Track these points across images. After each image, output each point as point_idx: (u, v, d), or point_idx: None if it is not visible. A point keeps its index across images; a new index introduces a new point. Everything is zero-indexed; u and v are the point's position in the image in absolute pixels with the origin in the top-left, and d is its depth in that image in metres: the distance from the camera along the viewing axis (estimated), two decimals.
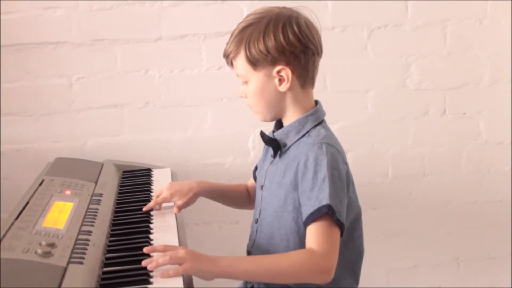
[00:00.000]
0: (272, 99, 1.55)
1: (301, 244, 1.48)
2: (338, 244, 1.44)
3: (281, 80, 1.52)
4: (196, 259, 1.37)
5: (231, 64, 1.58)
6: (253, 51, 1.51)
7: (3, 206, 2.26)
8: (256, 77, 1.53)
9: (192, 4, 2.35)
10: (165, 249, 1.39)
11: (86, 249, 1.42)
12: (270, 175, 1.59)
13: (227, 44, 1.57)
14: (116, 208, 1.80)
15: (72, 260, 1.35)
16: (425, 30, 2.45)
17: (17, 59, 2.32)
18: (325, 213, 1.42)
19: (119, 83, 2.37)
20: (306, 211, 1.45)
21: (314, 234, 1.43)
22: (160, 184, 1.98)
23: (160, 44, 2.36)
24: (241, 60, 1.54)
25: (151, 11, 2.34)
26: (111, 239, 1.57)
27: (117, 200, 1.87)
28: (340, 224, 1.44)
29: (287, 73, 1.51)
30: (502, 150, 2.57)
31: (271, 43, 1.50)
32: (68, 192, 1.76)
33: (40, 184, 1.82)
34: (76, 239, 1.46)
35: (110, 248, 1.52)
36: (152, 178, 2.09)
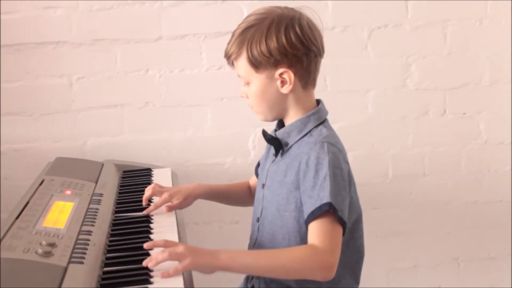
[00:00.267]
0: (273, 101, 1.54)
1: (303, 243, 1.48)
2: (341, 242, 1.44)
3: (283, 82, 1.52)
4: (196, 254, 1.37)
5: (232, 64, 1.58)
6: (255, 53, 1.50)
7: (3, 206, 2.26)
8: (257, 79, 1.53)
9: (192, 4, 2.35)
10: (166, 244, 1.40)
11: (86, 249, 1.42)
12: (272, 173, 1.59)
13: (228, 44, 1.56)
14: (116, 208, 1.80)
15: (73, 260, 1.35)
16: (425, 30, 2.45)
17: (17, 59, 2.32)
18: (327, 211, 1.42)
19: (119, 83, 2.37)
20: (308, 209, 1.45)
21: (316, 231, 1.43)
22: (161, 184, 1.97)
23: (160, 44, 2.36)
24: (242, 62, 1.53)
25: (151, 11, 2.34)
26: (111, 239, 1.57)
27: (117, 200, 1.87)
28: (342, 222, 1.44)
29: (289, 75, 1.51)
30: (502, 150, 2.57)
31: (273, 45, 1.49)
32: (68, 192, 1.76)
33: (40, 184, 1.82)
34: (77, 239, 1.47)
35: (110, 248, 1.52)
36: (152, 178, 2.09)
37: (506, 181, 2.58)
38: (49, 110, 2.36)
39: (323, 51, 1.57)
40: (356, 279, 1.60)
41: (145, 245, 1.42)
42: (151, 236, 1.59)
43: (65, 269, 1.30)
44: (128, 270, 1.38)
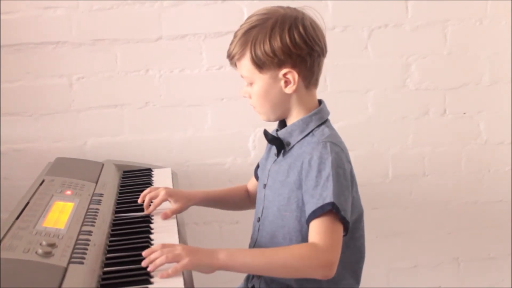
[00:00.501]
0: (277, 101, 1.54)
1: (304, 243, 1.47)
2: (341, 241, 1.44)
3: (286, 82, 1.52)
4: (194, 254, 1.37)
5: (234, 65, 1.57)
6: (259, 53, 1.50)
7: (3, 206, 2.26)
8: (261, 79, 1.53)
9: (192, 4, 2.35)
10: (163, 247, 1.39)
11: (86, 249, 1.42)
12: (273, 173, 1.59)
13: (231, 45, 1.55)
14: (117, 208, 1.80)
15: (73, 260, 1.35)
16: (425, 30, 2.45)
17: (17, 59, 2.32)
18: (329, 211, 1.42)
19: (119, 83, 2.37)
20: (309, 208, 1.45)
21: (316, 229, 1.43)
22: (161, 184, 1.98)
23: (160, 44, 2.36)
24: (246, 62, 1.53)
25: (151, 11, 2.34)
26: (111, 239, 1.58)
27: (118, 200, 1.87)
28: (344, 222, 1.44)
29: (293, 76, 1.51)
30: (502, 150, 2.57)
31: (277, 45, 1.49)
32: (68, 192, 1.76)
33: (41, 184, 1.82)
34: (77, 239, 1.46)
35: (110, 248, 1.52)
36: (153, 178, 2.09)
37: (506, 181, 2.58)
38: (49, 110, 2.36)
39: (326, 51, 1.57)
40: (357, 279, 1.60)
41: (144, 253, 1.41)
42: (151, 236, 1.59)
43: (65, 269, 1.30)
44: (128, 270, 1.38)
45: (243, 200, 1.85)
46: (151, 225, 1.66)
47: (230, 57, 1.56)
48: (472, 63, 2.50)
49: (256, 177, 1.73)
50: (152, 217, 1.72)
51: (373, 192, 2.50)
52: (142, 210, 1.76)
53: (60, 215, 1.59)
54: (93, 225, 1.58)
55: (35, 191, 1.75)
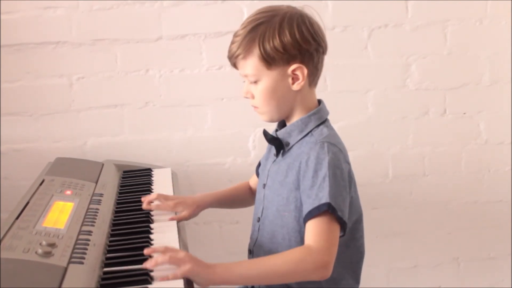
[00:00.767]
0: (283, 99, 1.53)
1: (303, 243, 1.47)
2: (337, 241, 1.44)
3: (294, 79, 1.52)
4: (195, 263, 1.36)
5: (235, 65, 1.56)
6: (268, 48, 1.49)
7: (3, 206, 2.26)
8: (269, 76, 1.52)
9: (192, 4, 2.35)
10: (166, 249, 1.39)
11: (86, 249, 1.42)
12: (273, 174, 1.59)
13: (233, 44, 1.54)
14: (117, 208, 1.80)
15: (73, 260, 1.35)
16: (425, 30, 2.45)
17: (17, 59, 2.32)
18: (325, 211, 1.42)
19: (119, 83, 2.37)
20: (306, 208, 1.45)
21: (312, 230, 1.43)
22: (161, 184, 1.98)
23: (160, 44, 2.36)
24: (253, 59, 1.51)
25: (151, 11, 2.34)
26: (111, 239, 1.58)
27: (118, 200, 1.87)
28: (342, 222, 1.44)
29: (302, 71, 1.51)
30: (502, 150, 2.57)
31: (287, 40, 1.49)
32: (68, 192, 1.76)
33: (41, 184, 1.82)
34: (77, 239, 1.46)
35: (110, 248, 1.52)
36: (153, 178, 2.09)
37: (506, 181, 2.58)
38: (49, 110, 2.36)
39: (327, 49, 1.57)
40: (357, 279, 1.60)
41: (145, 251, 1.41)
42: (151, 236, 1.59)
43: (65, 269, 1.30)
44: (128, 270, 1.38)
45: (247, 197, 1.85)
46: (151, 225, 1.66)
47: (234, 56, 1.54)
48: (472, 63, 2.50)
49: (258, 175, 1.73)
50: (152, 217, 1.72)
51: (373, 192, 2.50)
52: (142, 210, 1.76)
53: (60, 215, 1.59)
54: (93, 225, 1.57)
55: (35, 191, 1.75)
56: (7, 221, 1.52)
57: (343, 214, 1.44)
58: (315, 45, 1.51)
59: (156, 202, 1.76)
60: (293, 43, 1.49)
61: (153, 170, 2.17)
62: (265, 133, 1.61)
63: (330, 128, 1.56)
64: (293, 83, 1.52)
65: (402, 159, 2.53)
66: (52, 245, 1.38)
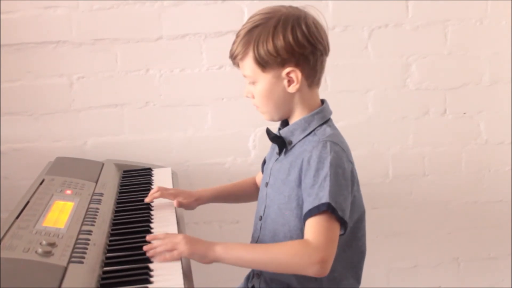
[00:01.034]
0: (280, 100, 1.54)
1: None
2: (336, 239, 1.44)
3: (290, 82, 1.52)
4: (192, 244, 1.44)
5: (237, 65, 1.57)
6: (262, 52, 1.50)
7: (3, 206, 2.26)
8: (264, 79, 1.52)
9: (192, 3, 2.35)
10: (165, 236, 1.47)
11: (86, 248, 1.42)
12: (275, 172, 1.59)
13: (233, 44, 1.55)
14: (117, 207, 1.80)
15: (73, 259, 1.35)
16: (426, 30, 2.45)
17: (18, 58, 2.32)
18: (324, 211, 1.42)
19: (119, 82, 2.37)
20: (306, 207, 1.45)
21: (311, 228, 1.43)
22: (161, 183, 1.98)
23: (160, 44, 2.36)
24: (249, 61, 1.52)
25: (152, 11, 2.34)
26: (111, 238, 1.58)
27: (118, 199, 1.87)
28: (342, 222, 1.44)
29: (296, 74, 1.51)
30: (502, 150, 2.57)
31: (280, 44, 1.49)
32: (68, 192, 1.77)
33: (41, 183, 1.82)
34: (77, 239, 1.47)
35: (110, 247, 1.52)
36: (153, 178, 2.09)
37: (506, 181, 2.58)
38: (49, 110, 2.36)
39: (329, 50, 1.57)
40: (358, 279, 1.60)
41: (147, 237, 1.49)
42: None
43: (65, 268, 1.30)
44: (128, 270, 1.38)
45: (253, 192, 1.84)
46: (151, 225, 1.66)
47: (233, 57, 1.55)
48: (472, 63, 2.50)
49: (263, 171, 1.74)
50: (152, 217, 1.72)
51: (373, 192, 2.50)
52: (142, 209, 1.76)
53: (60, 214, 1.59)
54: (93, 225, 1.58)
55: (35, 191, 1.75)
56: (7, 220, 1.52)
57: (343, 214, 1.44)
58: (311, 48, 1.51)
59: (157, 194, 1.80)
60: (286, 47, 1.49)
61: (153, 169, 2.17)
62: (268, 131, 1.61)
63: (333, 128, 1.56)
64: (288, 86, 1.52)
65: (402, 159, 2.53)
66: (52, 244, 1.38)
